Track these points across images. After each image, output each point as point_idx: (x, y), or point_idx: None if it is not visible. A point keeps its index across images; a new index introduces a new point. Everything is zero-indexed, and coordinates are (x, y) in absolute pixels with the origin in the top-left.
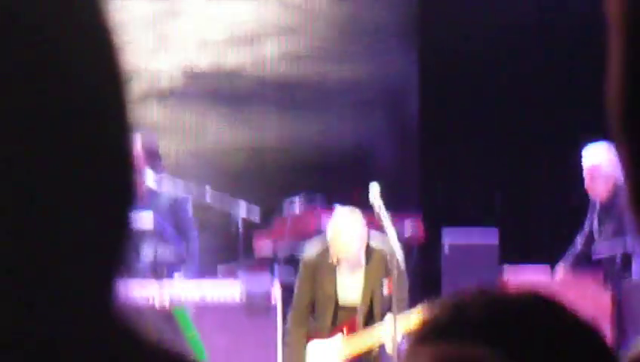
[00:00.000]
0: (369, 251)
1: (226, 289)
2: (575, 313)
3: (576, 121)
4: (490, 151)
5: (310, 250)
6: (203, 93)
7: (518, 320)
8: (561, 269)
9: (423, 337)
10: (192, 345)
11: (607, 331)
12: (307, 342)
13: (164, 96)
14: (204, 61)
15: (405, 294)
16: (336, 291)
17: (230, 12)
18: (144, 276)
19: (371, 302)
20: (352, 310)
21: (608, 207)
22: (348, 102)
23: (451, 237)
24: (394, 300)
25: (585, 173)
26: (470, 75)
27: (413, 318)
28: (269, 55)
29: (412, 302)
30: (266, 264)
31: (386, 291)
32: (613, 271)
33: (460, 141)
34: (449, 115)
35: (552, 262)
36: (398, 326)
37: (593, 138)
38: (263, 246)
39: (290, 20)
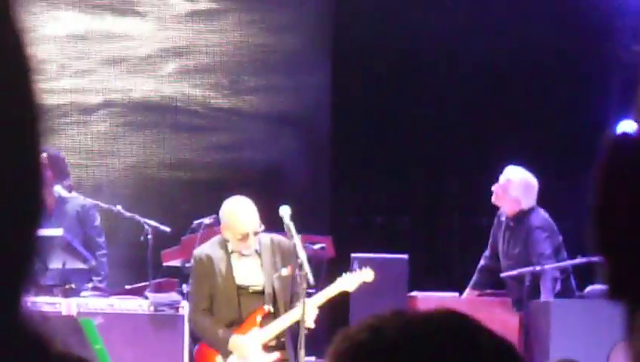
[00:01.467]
0: (260, 239)
1: (134, 301)
2: (489, 329)
3: (489, 144)
4: (401, 172)
5: (201, 247)
6: (115, 113)
7: (434, 338)
8: (469, 291)
9: (341, 358)
10: (99, 358)
11: None
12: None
13: (77, 115)
14: (116, 80)
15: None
16: (235, 276)
17: (147, 29)
18: (52, 287)
19: (272, 285)
20: (254, 295)
21: (513, 227)
22: (259, 120)
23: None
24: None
25: (496, 186)
26: (382, 93)
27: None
28: (179, 71)
29: (321, 317)
30: (174, 283)
31: (285, 272)
32: (521, 293)
33: (373, 161)
34: (362, 134)
35: (461, 289)
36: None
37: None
38: (171, 262)
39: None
